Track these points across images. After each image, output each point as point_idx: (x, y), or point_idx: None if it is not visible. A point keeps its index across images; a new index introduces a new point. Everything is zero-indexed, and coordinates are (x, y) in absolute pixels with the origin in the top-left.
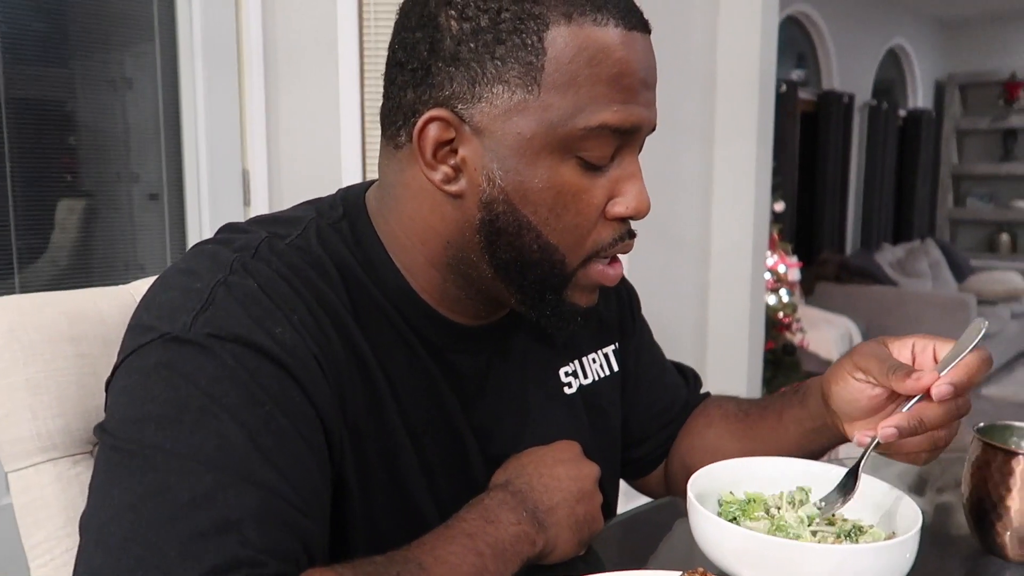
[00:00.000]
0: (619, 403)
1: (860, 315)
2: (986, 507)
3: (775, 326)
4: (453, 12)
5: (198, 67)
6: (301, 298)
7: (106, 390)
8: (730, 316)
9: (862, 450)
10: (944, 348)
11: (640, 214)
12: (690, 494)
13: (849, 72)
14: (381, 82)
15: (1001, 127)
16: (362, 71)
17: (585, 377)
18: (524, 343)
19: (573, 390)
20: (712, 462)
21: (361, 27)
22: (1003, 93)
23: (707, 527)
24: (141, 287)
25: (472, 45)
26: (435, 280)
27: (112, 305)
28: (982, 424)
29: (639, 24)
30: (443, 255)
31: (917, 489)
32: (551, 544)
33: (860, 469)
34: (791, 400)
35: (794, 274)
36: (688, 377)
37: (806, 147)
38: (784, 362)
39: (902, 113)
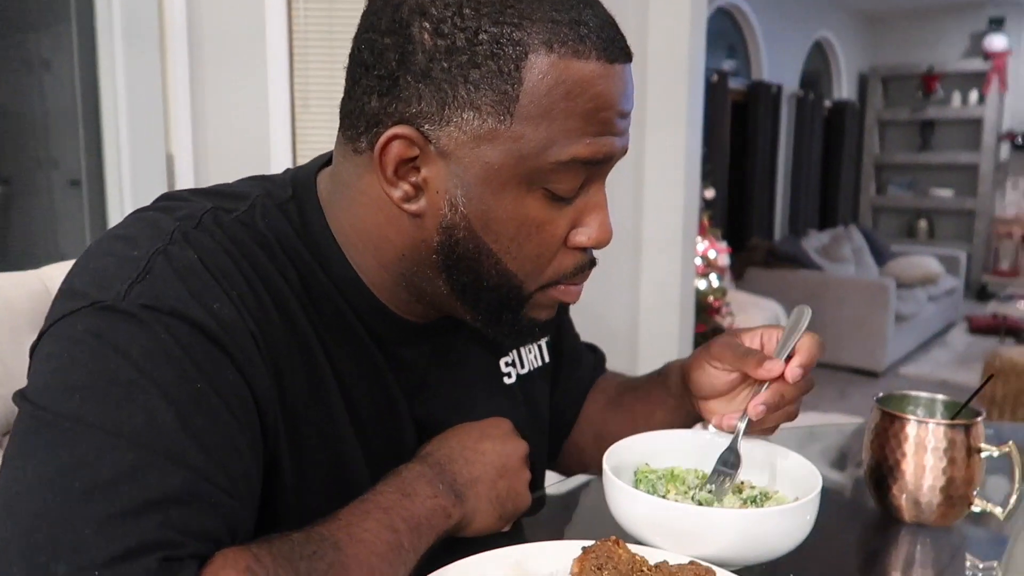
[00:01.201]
0: (547, 393)
1: (787, 299)
2: (884, 472)
3: (705, 310)
4: (428, 25)
5: (118, 48)
6: (243, 274)
7: (30, 356)
8: (661, 300)
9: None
10: None
11: (602, 244)
12: (605, 467)
13: (778, 63)
14: (311, 65)
15: (919, 118)
16: (291, 53)
17: (522, 367)
18: (467, 335)
19: (512, 380)
20: (593, 438)
21: (290, 8)
22: (921, 85)
23: (620, 497)
24: (52, 272)
25: (445, 64)
26: (386, 281)
27: (20, 292)
28: (881, 394)
29: (621, 55)
30: (397, 265)
31: (823, 459)
32: (469, 517)
33: (738, 446)
34: (656, 381)
35: (724, 259)
36: (597, 356)
37: (736, 136)
38: None
39: (828, 104)
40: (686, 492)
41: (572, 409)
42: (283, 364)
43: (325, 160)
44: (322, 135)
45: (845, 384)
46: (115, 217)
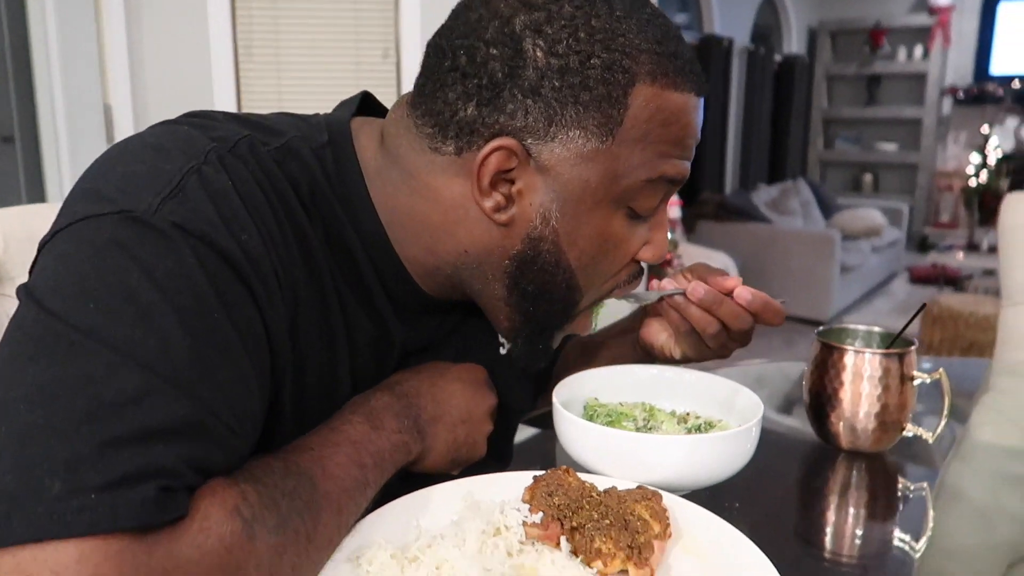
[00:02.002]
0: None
1: (737, 252)
2: (822, 401)
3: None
4: (542, 43)
5: None
6: (272, 210)
7: (38, 251)
8: None
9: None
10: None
11: (660, 259)
12: (555, 400)
13: (729, 17)
14: (254, 10)
15: (866, 73)
16: None
17: None
18: (471, 306)
19: (505, 351)
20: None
21: None
22: (868, 40)
23: (569, 428)
24: None
25: (557, 83)
26: (426, 263)
27: None
28: (821, 327)
29: (703, 89)
30: (453, 258)
31: (769, 398)
32: (424, 453)
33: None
34: (616, 325)
35: (675, 212)
36: None
37: None
38: None
39: (778, 58)
40: (634, 423)
41: (544, 372)
42: (300, 307)
43: (354, 110)
44: (267, 84)
45: (792, 333)
46: (51, 173)
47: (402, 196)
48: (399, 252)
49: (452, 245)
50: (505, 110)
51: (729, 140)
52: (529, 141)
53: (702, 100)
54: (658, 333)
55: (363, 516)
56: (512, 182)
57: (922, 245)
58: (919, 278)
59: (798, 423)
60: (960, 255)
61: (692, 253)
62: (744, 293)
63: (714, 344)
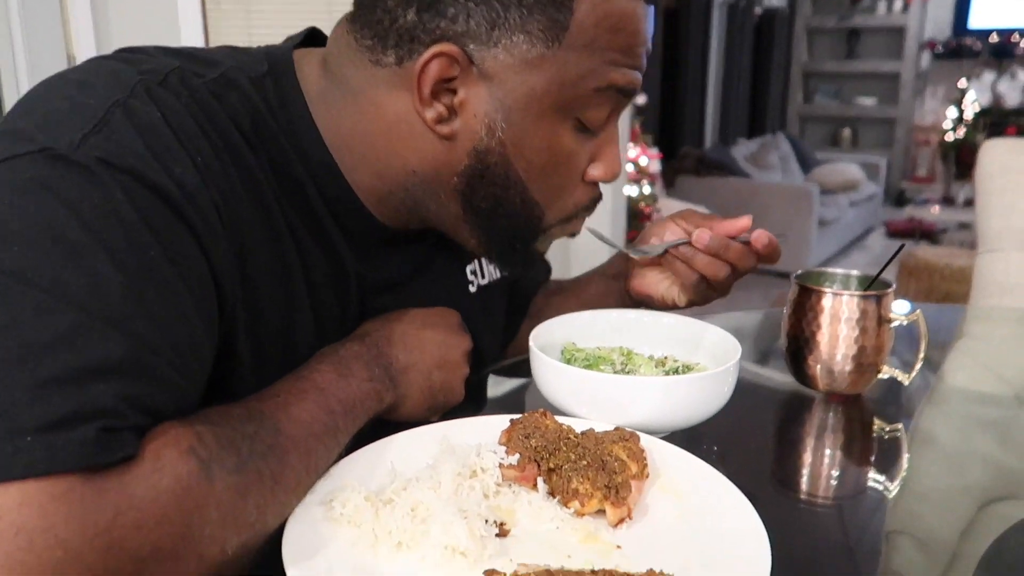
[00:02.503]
0: (504, 306)
1: (717, 206)
2: (800, 344)
3: (637, 216)
4: None
5: None
6: (210, 142)
7: None
8: None
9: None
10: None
11: (613, 178)
12: (532, 345)
13: None
14: None
15: (846, 26)
16: None
17: (483, 277)
18: (439, 241)
19: (474, 288)
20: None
21: None
22: None
23: (547, 372)
24: None
25: None
26: (376, 188)
27: None
28: (800, 271)
29: None
30: (402, 179)
31: (748, 343)
32: (399, 402)
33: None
34: (595, 270)
35: (655, 166)
36: (545, 265)
37: (668, 43)
38: None
39: (758, 11)
40: (612, 367)
41: (519, 312)
42: (247, 241)
43: (298, 41)
44: (236, 30)
45: (769, 286)
46: None
47: (348, 118)
48: (350, 180)
49: (399, 165)
50: (446, 14)
51: (709, 94)
52: (471, 47)
53: (651, 9)
54: (656, 283)
55: (337, 461)
56: (454, 92)
57: (899, 199)
58: (896, 232)
59: (776, 372)
60: (936, 209)
61: (671, 207)
62: (762, 237)
63: (721, 288)
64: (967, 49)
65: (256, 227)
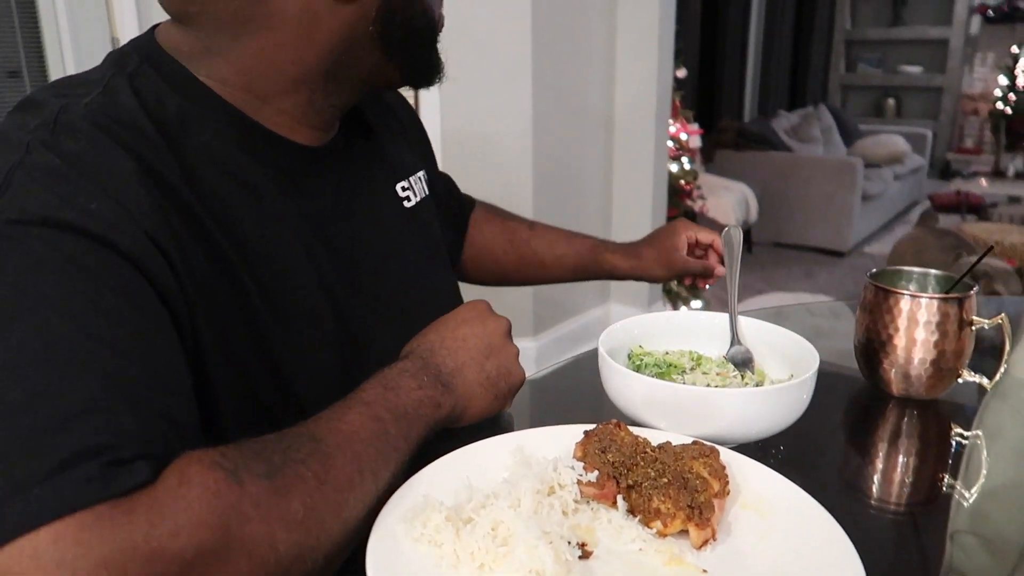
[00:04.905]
0: (438, 225)
1: (756, 181)
2: (875, 346)
3: (677, 193)
4: None
5: None
6: (116, 164)
7: None
8: (634, 184)
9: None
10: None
11: None
12: (602, 350)
13: None
14: None
15: None
16: None
17: (415, 195)
18: (365, 160)
19: (412, 204)
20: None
21: None
22: None
23: (617, 379)
24: None
25: None
26: (297, 104)
27: None
28: (874, 270)
29: None
30: (323, 67)
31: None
32: (461, 405)
33: (740, 339)
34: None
35: (695, 142)
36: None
37: (707, 12)
38: None
39: None
40: (682, 373)
41: (459, 231)
42: (182, 248)
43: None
44: None
45: (811, 264)
46: None
47: (233, 51)
48: (260, 119)
49: (317, 55)
50: None
51: (749, 65)
52: None
53: None
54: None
55: (413, 474)
56: None
57: (945, 172)
58: (941, 206)
59: (837, 361)
60: (984, 182)
61: (711, 183)
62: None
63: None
64: (1021, 13)
65: (183, 226)
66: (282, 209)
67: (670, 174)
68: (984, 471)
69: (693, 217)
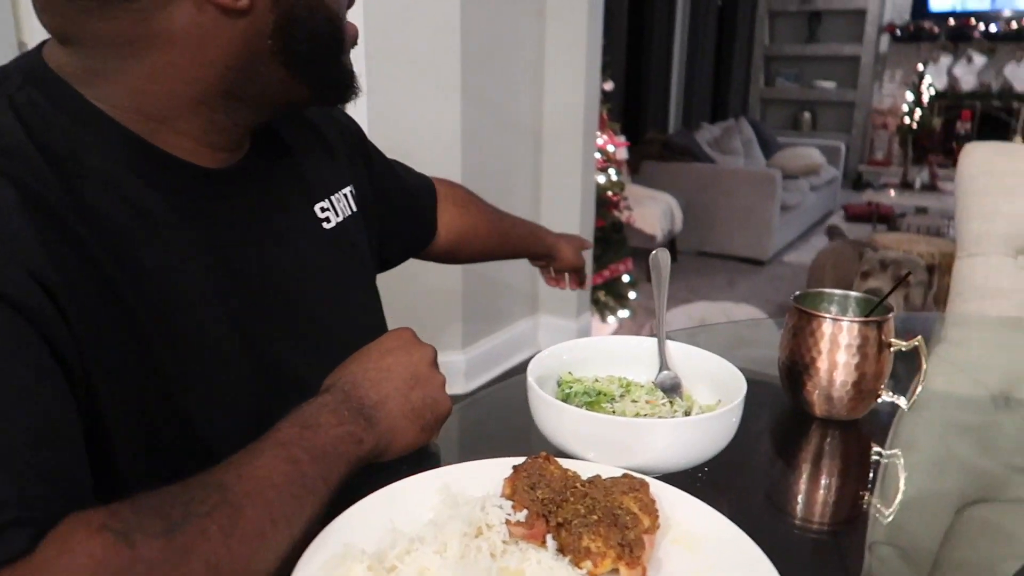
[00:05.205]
0: (366, 241)
1: (681, 191)
2: (799, 369)
3: (604, 204)
4: None
5: None
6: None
7: None
8: (563, 195)
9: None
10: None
11: None
12: (530, 380)
13: None
14: None
15: (807, 9)
16: None
17: (337, 215)
18: (279, 181)
19: (332, 225)
20: (468, 231)
21: None
22: None
23: (546, 410)
24: None
25: None
26: (196, 126)
27: None
28: (798, 292)
29: None
30: (219, 87)
31: (737, 344)
32: (386, 439)
33: (669, 365)
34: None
35: (622, 153)
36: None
37: (633, 27)
38: (612, 239)
39: None
40: (612, 400)
41: (428, 229)
42: (70, 282)
43: (39, 47)
44: None
45: (733, 273)
46: None
47: (123, 72)
48: (160, 142)
49: (212, 74)
50: None
51: (673, 78)
52: None
53: None
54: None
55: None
56: None
57: (857, 183)
58: (854, 216)
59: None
60: (893, 193)
61: (637, 194)
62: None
63: None
64: (925, 32)
65: (81, 258)
66: (183, 237)
67: (598, 185)
68: (901, 485)
69: (620, 228)
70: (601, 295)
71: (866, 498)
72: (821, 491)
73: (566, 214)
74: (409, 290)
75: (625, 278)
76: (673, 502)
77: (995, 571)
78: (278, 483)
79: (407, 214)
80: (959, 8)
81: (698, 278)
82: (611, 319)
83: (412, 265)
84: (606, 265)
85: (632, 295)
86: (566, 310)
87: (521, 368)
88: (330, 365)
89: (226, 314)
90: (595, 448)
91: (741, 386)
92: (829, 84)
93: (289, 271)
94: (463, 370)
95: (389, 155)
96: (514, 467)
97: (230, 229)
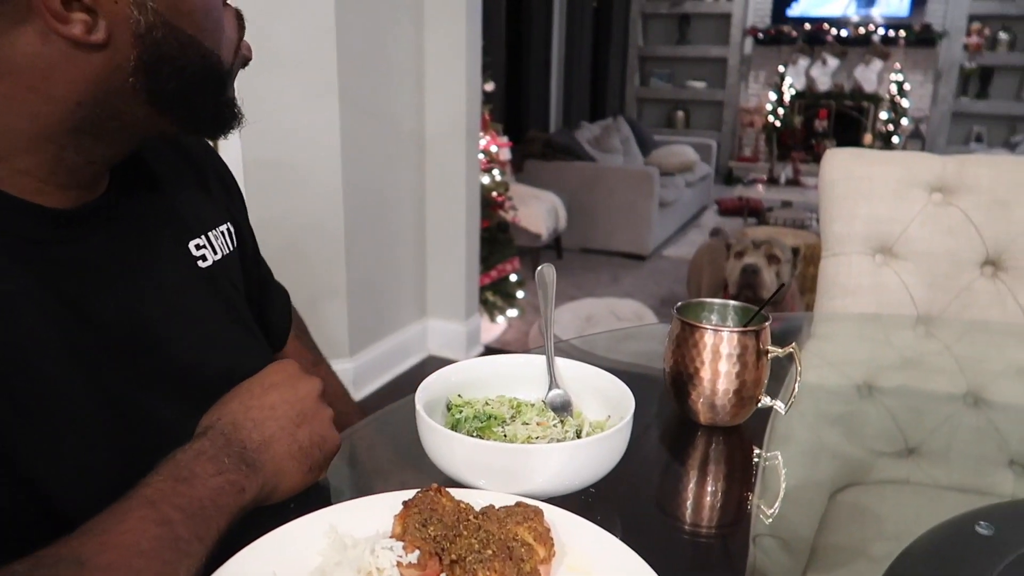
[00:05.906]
0: (242, 280)
1: (564, 190)
2: (683, 379)
3: (489, 205)
4: None
5: None
6: None
7: None
8: (448, 198)
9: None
10: None
11: None
12: (419, 407)
13: None
14: None
15: (678, 12)
16: None
17: (215, 253)
18: (146, 218)
19: (208, 263)
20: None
21: None
22: None
23: (435, 439)
24: None
25: None
26: (39, 160)
27: None
28: (680, 304)
29: None
30: (68, 124)
31: (624, 339)
32: (271, 484)
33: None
34: None
35: (505, 154)
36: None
37: (512, 27)
38: (499, 239)
39: None
40: (502, 424)
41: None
42: None
43: None
44: None
45: (616, 268)
46: None
47: None
48: (6, 186)
49: (58, 110)
50: None
51: (552, 78)
52: None
53: None
54: None
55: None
56: None
57: (728, 178)
58: (727, 210)
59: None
60: (761, 188)
61: (521, 193)
62: None
63: None
64: (785, 36)
65: None
66: (23, 286)
67: (482, 186)
68: (782, 481)
69: (506, 227)
70: (489, 295)
71: (751, 498)
72: (708, 496)
73: (451, 217)
74: (291, 295)
75: (513, 277)
76: (568, 528)
77: (866, 552)
78: (146, 549)
79: (260, 313)
80: (813, 14)
81: (583, 275)
82: (500, 319)
83: (293, 266)
84: (493, 265)
85: (520, 294)
86: (455, 313)
87: (411, 374)
88: (206, 411)
89: (77, 365)
90: (487, 476)
91: (630, 403)
92: (700, 84)
93: (156, 314)
94: (351, 379)
95: (268, 171)
96: (404, 502)
97: (82, 273)
